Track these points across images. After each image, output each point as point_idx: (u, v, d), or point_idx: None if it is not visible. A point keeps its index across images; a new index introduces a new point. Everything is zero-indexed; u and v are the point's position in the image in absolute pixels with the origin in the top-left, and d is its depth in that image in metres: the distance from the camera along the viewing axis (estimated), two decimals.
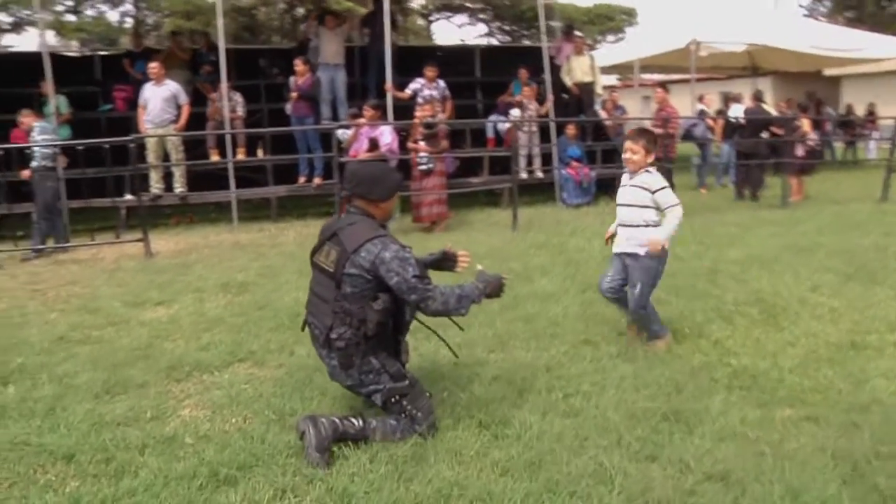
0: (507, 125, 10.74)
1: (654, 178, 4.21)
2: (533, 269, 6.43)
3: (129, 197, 9.42)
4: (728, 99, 12.36)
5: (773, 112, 12.52)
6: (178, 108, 9.66)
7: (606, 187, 11.01)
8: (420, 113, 9.23)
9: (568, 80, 11.30)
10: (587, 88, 11.22)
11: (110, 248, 8.35)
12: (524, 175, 10.94)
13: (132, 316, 5.51)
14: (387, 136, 8.48)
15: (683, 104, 13.12)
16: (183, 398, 3.90)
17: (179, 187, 9.90)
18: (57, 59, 11.95)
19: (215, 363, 4.37)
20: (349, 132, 8.86)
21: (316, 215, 10.05)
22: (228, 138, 9.93)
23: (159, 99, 9.48)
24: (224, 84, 9.89)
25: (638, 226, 4.25)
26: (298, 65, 10.16)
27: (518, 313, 5.10)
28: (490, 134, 11.85)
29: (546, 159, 11.07)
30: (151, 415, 3.67)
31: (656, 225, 4.23)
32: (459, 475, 2.89)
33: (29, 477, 3.09)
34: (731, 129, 11.70)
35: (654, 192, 4.18)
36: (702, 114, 12.21)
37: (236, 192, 9.97)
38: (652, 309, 4.37)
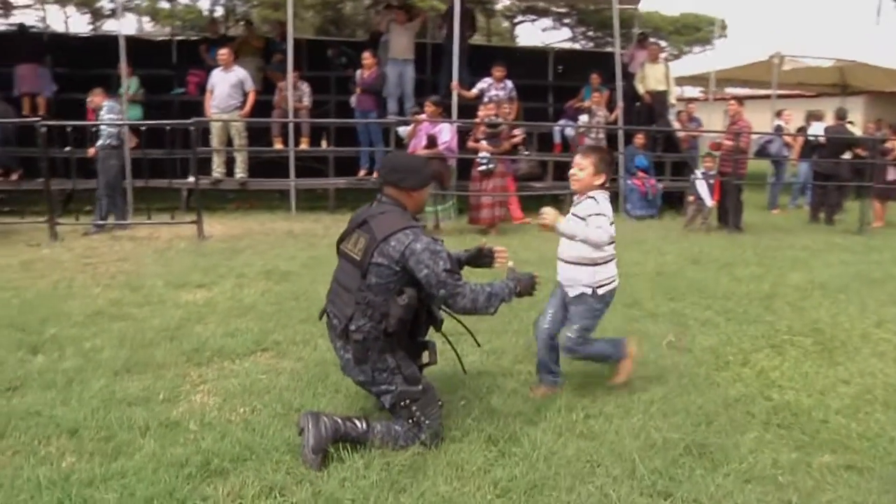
0: (575, 131, 10.47)
1: (592, 205, 3.45)
2: None
3: (189, 179, 9.56)
4: (809, 116, 11.70)
5: (858, 132, 11.81)
6: (245, 94, 9.77)
7: (674, 201, 10.61)
8: (483, 112, 9.08)
9: (641, 88, 10.92)
10: (660, 97, 10.82)
11: (167, 228, 8.50)
12: None
13: (171, 296, 5.55)
14: (445, 133, 8.35)
15: (763, 120, 12.54)
16: (199, 383, 3.86)
17: (240, 173, 10.03)
18: (135, 42, 12.38)
19: (238, 350, 4.32)
20: (409, 128, 8.77)
21: None
22: (291, 127, 10.00)
23: (226, 85, 9.61)
24: (290, 73, 9.95)
25: (571, 262, 3.61)
26: (366, 58, 10.15)
27: None
28: (557, 139, 11.60)
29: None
30: (164, 397, 3.63)
31: (593, 263, 3.54)
32: (455, 491, 2.72)
33: (32, 448, 3.09)
34: (809, 149, 11.07)
35: (585, 219, 3.44)
36: (778, 129, 11.59)
37: (295, 181, 10.03)
38: (590, 346, 3.69)
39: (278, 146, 10.36)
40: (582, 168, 3.50)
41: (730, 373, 4.04)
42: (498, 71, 10.00)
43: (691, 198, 9.24)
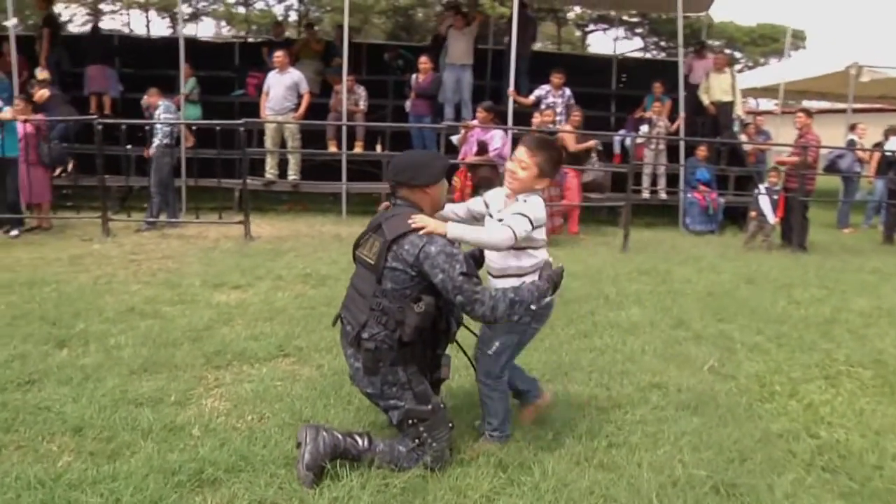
0: (636, 141, 10.11)
1: (518, 205, 2.91)
2: (626, 295, 5.88)
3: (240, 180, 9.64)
4: (888, 131, 11.00)
5: None
6: (300, 96, 9.80)
7: (736, 216, 10.14)
8: (537, 119, 8.85)
9: (705, 99, 10.48)
10: (725, 108, 10.36)
11: (216, 228, 8.56)
12: (646, 195, 10.27)
13: (205, 296, 5.52)
14: (497, 140, 8.16)
15: (838, 135, 11.87)
16: (213, 386, 3.77)
17: (293, 175, 10.06)
18: (199, 45, 12.64)
19: (259, 354, 4.23)
20: (460, 134, 8.62)
21: None
22: (344, 130, 9.98)
23: (281, 87, 9.66)
24: (345, 77, 9.93)
25: (499, 276, 3.04)
26: (422, 62, 10.07)
27: (591, 343, 4.63)
28: (617, 149, 11.26)
29: (672, 180, 10.33)
30: (174, 399, 3.55)
31: (517, 275, 2.96)
32: None
33: (35, 444, 3.04)
34: (886, 165, 10.39)
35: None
36: (851, 144, 10.93)
37: (347, 185, 10.00)
38: (504, 388, 3.16)
39: (332, 149, 10.36)
40: (524, 167, 2.92)
41: (774, 405, 3.70)
42: (556, 77, 9.75)
43: (753, 213, 8.78)
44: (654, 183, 10.38)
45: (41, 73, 10.42)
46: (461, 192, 8.05)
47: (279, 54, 9.75)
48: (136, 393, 3.57)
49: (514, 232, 2.80)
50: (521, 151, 2.95)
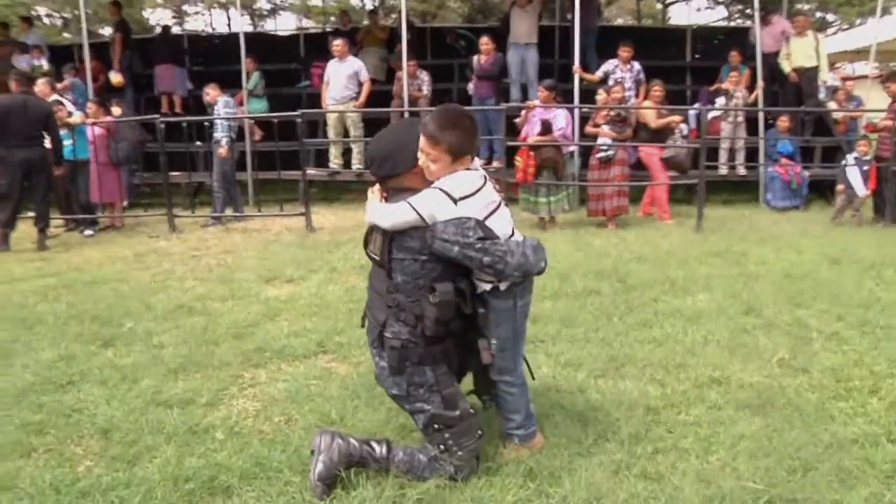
0: (711, 115, 9.53)
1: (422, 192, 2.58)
2: (695, 279, 5.47)
3: (311, 171, 9.64)
4: None
5: None
6: (360, 84, 9.70)
7: (824, 190, 9.43)
8: (602, 96, 8.42)
9: (786, 66, 9.74)
10: (808, 75, 9.59)
11: (280, 220, 8.60)
12: (723, 171, 9.68)
13: (257, 291, 5.48)
14: (561, 119, 7.80)
15: None
16: (246, 386, 3.69)
17: (357, 164, 9.99)
18: (265, 38, 12.75)
19: (299, 351, 4.13)
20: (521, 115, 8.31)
21: None
22: (406, 116, 9.81)
23: (342, 76, 9.58)
24: (405, 62, 9.77)
25: None
26: (483, 43, 9.79)
27: (650, 333, 4.30)
28: (692, 124, 10.65)
29: (752, 154, 9.68)
30: (206, 400, 3.49)
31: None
32: None
33: (62, 448, 3.04)
34: None
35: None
36: None
37: None
38: (522, 380, 2.89)
39: None
40: (433, 158, 2.55)
41: (851, 403, 3.29)
42: (624, 51, 9.26)
43: (840, 187, 8.10)
44: (732, 158, 9.76)
45: (115, 77, 10.74)
46: (524, 171, 7.76)
47: (338, 43, 9.67)
48: (168, 394, 3.52)
49: (408, 208, 2.54)
50: (423, 142, 2.55)
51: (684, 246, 6.75)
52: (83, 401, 3.48)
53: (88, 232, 8.14)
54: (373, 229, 2.72)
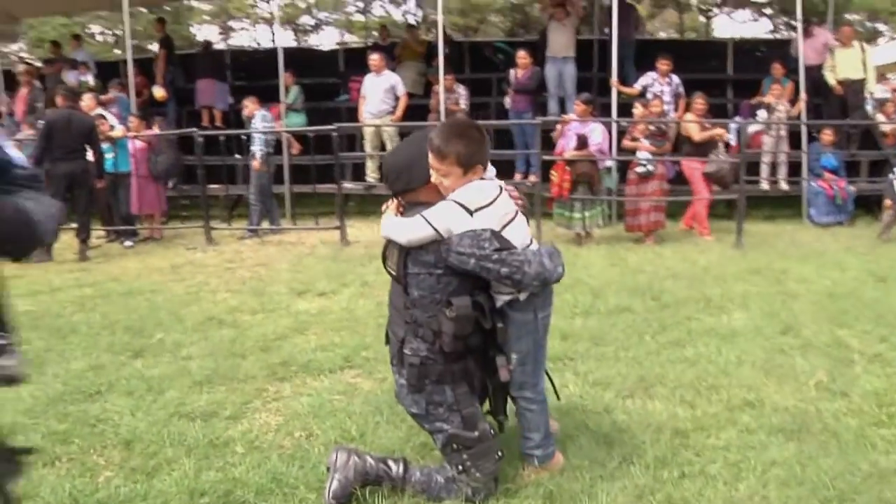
0: (753, 128, 9.33)
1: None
2: (731, 297, 5.33)
3: (348, 185, 9.71)
4: None
5: None
6: (397, 98, 9.74)
7: (870, 205, 9.13)
8: (639, 111, 8.29)
9: (831, 78, 9.49)
10: (854, 87, 9.32)
11: (315, 234, 8.64)
12: (765, 185, 9.45)
13: (288, 304, 5.50)
14: (597, 134, 7.71)
15: None
16: (270, 400, 3.69)
17: None
18: (304, 53, 12.91)
19: (325, 366, 4.11)
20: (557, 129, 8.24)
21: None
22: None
23: (379, 90, 9.63)
24: (441, 76, 9.78)
25: None
26: (520, 57, 9.76)
27: (682, 353, 4.18)
28: (733, 139, 10.44)
29: (795, 169, 9.44)
30: (229, 413, 3.49)
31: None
32: None
33: (84, 458, 3.07)
34: None
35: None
36: None
37: None
38: (543, 397, 2.83)
39: None
40: (444, 173, 2.52)
41: (894, 430, 3.15)
42: (663, 64, 9.13)
43: (888, 202, 7.83)
44: (774, 172, 9.52)
45: (158, 91, 10.97)
46: (559, 186, 7.68)
47: (374, 58, 9.74)
48: (192, 406, 3.54)
49: (410, 233, 2.54)
50: (431, 158, 2.51)
51: (722, 263, 6.59)
52: (108, 411, 3.51)
53: (128, 243, 8.30)
54: (390, 244, 2.69)
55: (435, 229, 2.48)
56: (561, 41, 10.21)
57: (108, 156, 8.09)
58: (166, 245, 8.43)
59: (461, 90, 10.56)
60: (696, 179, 8.19)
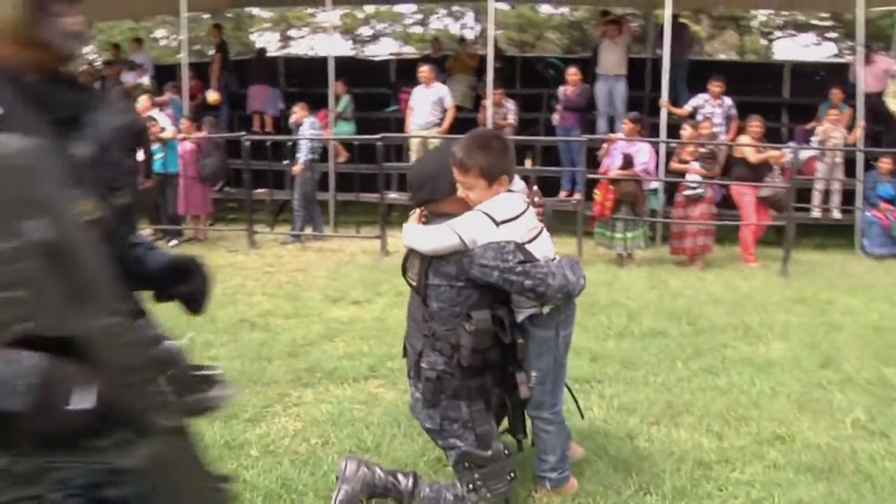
0: (807, 154, 9.06)
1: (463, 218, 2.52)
2: (771, 326, 5.16)
3: (391, 195, 9.74)
4: None
5: None
6: (445, 111, 9.77)
7: None
8: (687, 132, 8.08)
9: (892, 105, 9.16)
10: None
11: (357, 242, 8.69)
12: (817, 213, 9.17)
13: (321, 311, 5.53)
14: (644, 154, 7.60)
15: None
16: (292, 405, 3.70)
17: None
18: (356, 63, 13.05)
19: (350, 374, 4.11)
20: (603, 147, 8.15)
21: (567, 233, 9.39)
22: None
23: (427, 102, 9.67)
24: (490, 90, 9.77)
25: None
26: (570, 73, 9.70)
27: (714, 381, 4.06)
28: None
29: (849, 197, 9.14)
30: (249, 415, 3.51)
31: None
32: None
33: None
34: None
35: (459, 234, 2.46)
36: None
37: None
38: (562, 419, 2.78)
39: None
40: (468, 186, 2.49)
41: None
42: (715, 86, 8.96)
43: None
44: (827, 200, 9.23)
45: (211, 95, 11.22)
46: (601, 205, 7.57)
47: (423, 69, 9.79)
48: None
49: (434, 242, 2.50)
50: (455, 172, 2.49)
51: (765, 290, 6.40)
52: None
53: (173, 242, 8.48)
54: (411, 254, 2.65)
55: (461, 239, 2.43)
56: (612, 59, 10.12)
57: (158, 156, 8.29)
58: (210, 246, 8.57)
59: (510, 105, 10.53)
60: (745, 204, 7.99)
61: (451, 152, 2.52)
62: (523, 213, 2.55)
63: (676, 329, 5.05)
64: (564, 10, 24.27)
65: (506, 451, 2.58)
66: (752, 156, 7.88)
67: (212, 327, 4.96)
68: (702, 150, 7.86)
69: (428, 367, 2.56)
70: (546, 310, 2.59)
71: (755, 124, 8.05)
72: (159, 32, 26.56)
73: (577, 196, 9.11)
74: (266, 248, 8.39)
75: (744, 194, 7.98)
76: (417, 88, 9.86)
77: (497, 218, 2.46)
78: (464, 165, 2.46)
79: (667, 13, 9.15)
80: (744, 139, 8.13)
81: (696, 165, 7.75)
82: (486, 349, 2.49)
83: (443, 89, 9.84)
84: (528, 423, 2.80)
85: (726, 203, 8.38)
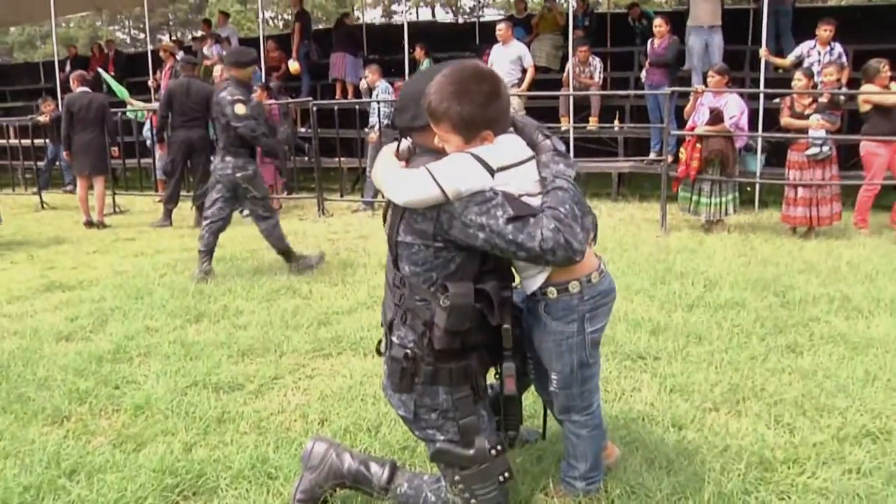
0: None
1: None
2: (878, 299, 4.34)
3: None
4: None
5: None
6: (524, 70, 9.23)
7: None
8: (801, 82, 6.91)
9: None
10: None
11: None
12: None
13: (370, 278, 5.20)
14: (733, 107, 6.78)
15: None
16: (304, 377, 3.41)
17: None
18: (438, 27, 12.62)
19: (372, 345, 3.74)
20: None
21: (653, 198, 8.64)
22: (571, 103, 9.20)
23: (505, 61, 9.16)
24: (570, 48, 9.14)
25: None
26: (658, 25, 8.91)
27: (794, 361, 3.42)
28: None
29: None
30: (254, 387, 3.26)
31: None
32: None
33: (93, 419, 2.97)
34: None
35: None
36: None
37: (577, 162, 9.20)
38: (598, 421, 2.25)
39: (564, 125, 9.62)
40: (444, 139, 1.96)
41: None
42: (825, 30, 7.88)
43: None
44: None
45: (292, 65, 11.14)
46: (687, 165, 6.83)
47: (500, 27, 9.28)
48: (220, 376, 3.33)
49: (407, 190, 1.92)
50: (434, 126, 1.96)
51: (874, 259, 5.52)
52: (136, 374, 3.40)
53: (245, 212, 8.38)
54: (389, 203, 2.11)
55: (441, 189, 1.87)
56: (707, 8, 9.20)
57: None
58: (282, 215, 8.41)
59: (596, 62, 9.90)
60: (878, 165, 6.83)
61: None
62: (528, 161, 2.00)
63: (759, 300, 4.39)
64: None
65: (496, 448, 2.06)
66: (888, 98, 6.72)
67: (251, 294, 4.78)
68: (822, 99, 6.78)
69: (398, 341, 2.07)
70: (573, 287, 2.03)
71: (885, 68, 6.84)
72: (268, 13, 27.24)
73: (663, 156, 8.32)
74: (337, 216, 8.19)
75: (876, 153, 6.86)
76: (495, 47, 9.38)
77: (493, 164, 1.91)
78: (434, 114, 1.91)
79: None
80: (869, 87, 6.98)
81: (818, 119, 6.67)
82: (466, 331, 1.96)
83: (521, 47, 9.31)
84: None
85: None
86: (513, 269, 2.12)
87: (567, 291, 2.04)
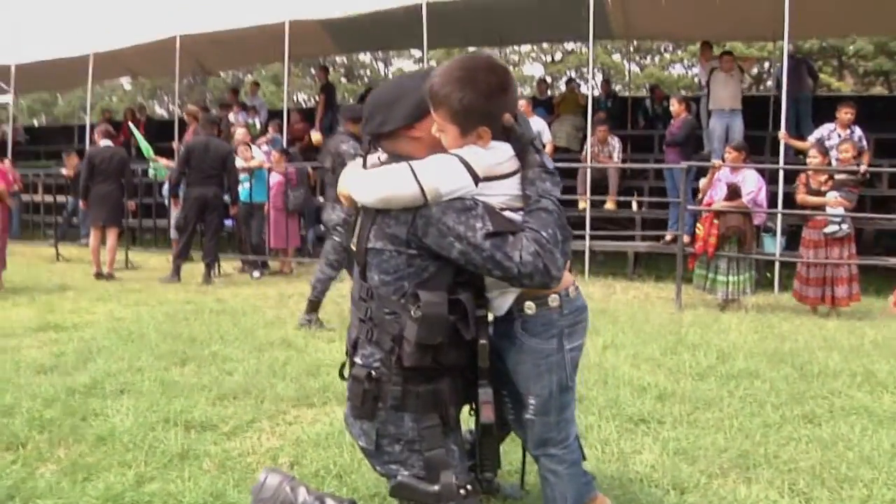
0: None
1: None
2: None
3: None
4: None
5: None
6: (543, 146, 9.25)
7: None
8: (816, 159, 6.82)
9: None
10: None
11: None
12: None
13: None
14: (750, 182, 6.66)
15: None
16: (283, 422, 3.23)
17: None
18: None
19: None
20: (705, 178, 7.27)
21: (668, 279, 8.41)
22: (588, 182, 9.16)
23: None
24: (589, 128, 9.18)
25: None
26: (673, 103, 8.94)
27: (813, 431, 3.16)
28: None
29: None
30: (229, 428, 3.09)
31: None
32: None
33: (49, 448, 2.82)
34: None
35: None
36: None
37: (590, 243, 9.08)
38: (574, 457, 2.03)
39: (582, 205, 9.55)
40: (441, 129, 1.81)
41: None
42: (845, 113, 7.81)
43: None
44: None
45: (315, 135, 11.31)
46: (705, 241, 6.65)
47: (522, 103, 9.35)
48: (195, 415, 3.16)
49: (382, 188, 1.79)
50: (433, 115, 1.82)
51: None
52: (106, 407, 3.25)
53: (256, 274, 8.32)
54: (359, 211, 1.97)
55: (420, 187, 1.73)
56: (727, 92, 9.28)
57: (244, 185, 8.25)
58: (293, 280, 8.33)
59: (614, 142, 9.90)
60: None
61: (425, 74, 1.89)
62: (515, 173, 1.86)
63: (775, 372, 4.13)
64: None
65: (465, 487, 1.84)
66: None
67: (246, 344, 4.62)
68: (839, 177, 6.65)
69: (361, 362, 1.90)
70: (552, 301, 1.89)
71: None
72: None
73: (687, 237, 8.16)
74: (348, 281, 8.04)
75: None
76: None
77: (479, 170, 1.77)
78: (435, 96, 1.78)
79: (785, 43, 8.25)
80: None
81: (835, 196, 6.52)
82: (437, 346, 1.80)
83: (541, 123, 9.41)
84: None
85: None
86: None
87: (546, 305, 1.88)
